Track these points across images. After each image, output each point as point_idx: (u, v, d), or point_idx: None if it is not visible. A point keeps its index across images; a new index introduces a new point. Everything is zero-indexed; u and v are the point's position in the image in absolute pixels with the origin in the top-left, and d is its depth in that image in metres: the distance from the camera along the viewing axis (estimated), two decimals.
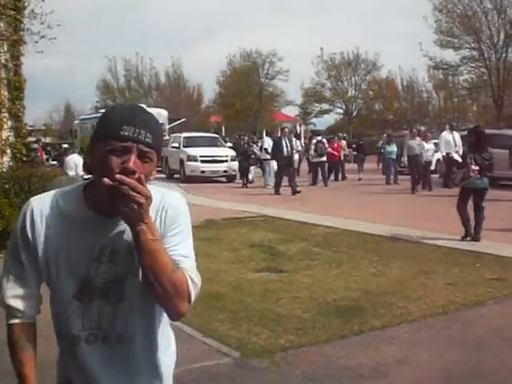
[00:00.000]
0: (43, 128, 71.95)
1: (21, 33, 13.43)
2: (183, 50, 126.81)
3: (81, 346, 2.13)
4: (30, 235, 2.06)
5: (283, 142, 21.46)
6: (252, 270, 8.97)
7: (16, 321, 2.17)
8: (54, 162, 27.97)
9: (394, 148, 25.18)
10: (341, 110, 67.64)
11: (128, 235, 2.01)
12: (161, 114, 41.93)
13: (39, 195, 2.16)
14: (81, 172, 18.37)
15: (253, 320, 6.57)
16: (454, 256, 9.75)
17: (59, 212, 2.07)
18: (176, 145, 28.70)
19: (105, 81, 72.50)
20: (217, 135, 34.89)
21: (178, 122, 48.78)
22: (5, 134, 13.69)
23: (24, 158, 13.81)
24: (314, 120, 68.81)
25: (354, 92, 66.34)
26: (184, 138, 29.21)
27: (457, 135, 21.90)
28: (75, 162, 18.26)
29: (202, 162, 26.74)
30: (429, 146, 23.01)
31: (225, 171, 26.67)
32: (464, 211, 11.37)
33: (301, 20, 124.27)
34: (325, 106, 67.65)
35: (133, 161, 1.91)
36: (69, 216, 2.07)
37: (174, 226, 2.11)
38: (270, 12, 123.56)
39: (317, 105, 67.71)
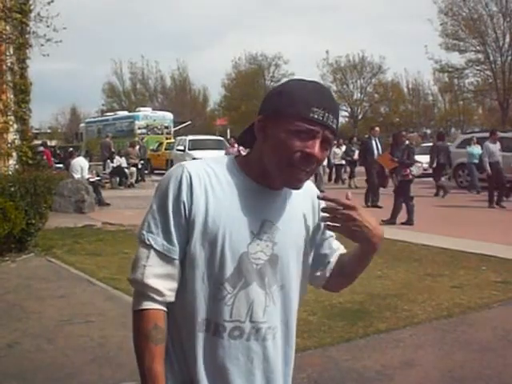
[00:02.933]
0: (49, 131, 72.17)
1: (27, 36, 13.49)
2: (188, 53, 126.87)
3: (222, 339, 1.88)
4: (186, 202, 1.82)
5: (373, 143, 17.99)
6: None
7: (154, 306, 1.85)
8: (60, 165, 28.05)
9: (476, 150, 21.24)
10: (346, 113, 67.70)
11: (289, 211, 1.95)
12: (166, 116, 42.15)
13: (189, 162, 1.93)
14: (86, 175, 18.45)
15: None
16: (459, 259, 9.74)
17: (218, 180, 1.87)
18: (181, 148, 28.81)
19: (110, 84, 72.87)
20: (222, 138, 34.91)
21: (184, 125, 48.94)
22: (11, 136, 13.75)
23: (30, 161, 13.85)
24: None
25: (359, 95, 66.49)
26: (189, 140, 29.30)
27: None
28: (81, 165, 18.34)
29: None
30: None
31: None
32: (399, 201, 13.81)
33: (306, 23, 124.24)
34: None
35: (318, 147, 1.80)
36: (229, 184, 1.88)
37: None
38: (275, 15, 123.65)
39: None
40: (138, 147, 29.21)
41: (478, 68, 47.20)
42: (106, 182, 23.94)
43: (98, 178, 20.89)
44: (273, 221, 1.90)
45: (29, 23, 13.37)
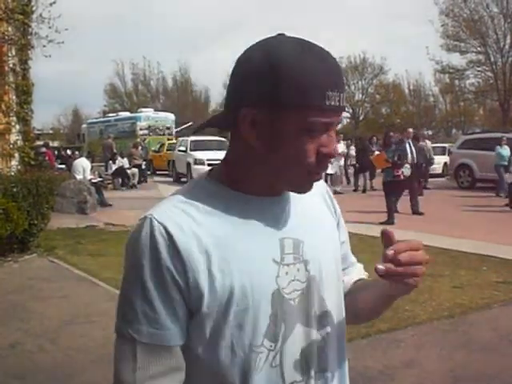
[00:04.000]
0: (51, 132, 72.18)
1: (29, 37, 13.52)
2: (190, 54, 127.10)
3: None
4: (172, 265, 1.28)
5: (406, 145, 16.12)
6: None
7: None
8: (62, 166, 28.10)
9: (506, 151, 20.05)
10: (348, 114, 67.68)
11: (302, 214, 1.47)
12: (168, 117, 42.17)
13: (153, 208, 1.37)
14: (89, 176, 18.47)
15: None
16: (460, 259, 9.75)
17: (204, 213, 1.35)
18: (183, 148, 28.79)
19: (112, 85, 73.06)
20: (224, 139, 34.91)
21: (186, 125, 48.91)
22: (13, 137, 13.79)
23: (32, 162, 13.88)
24: None
25: (360, 96, 66.49)
26: (191, 141, 29.25)
27: None
28: (83, 166, 18.36)
29: (209, 165, 26.58)
30: None
31: None
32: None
33: (307, 24, 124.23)
34: None
35: (334, 143, 1.35)
36: (220, 212, 1.36)
37: (339, 216, 1.64)
38: (276, 16, 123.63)
39: None
40: (139, 148, 29.25)
41: (478, 69, 47.21)
42: (109, 183, 23.96)
43: (100, 179, 20.92)
44: (292, 235, 1.41)
45: (31, 24, 13.41)
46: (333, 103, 1.28)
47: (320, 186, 1.57)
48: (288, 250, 1.39)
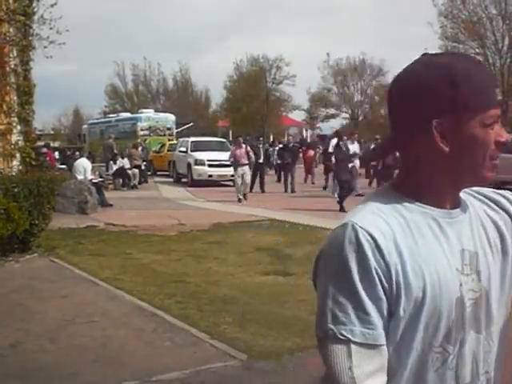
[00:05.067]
0: (52, 132, 72.14)
1: (30, 38, 13.54)
2: (191, 55, 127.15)
3: None
4: (378, 267, 1.36)
5: None
6: (259, 273, 9.00)
7: None
8: (63, 166, 28.12)
9: None
10: (347, 115, 67.70)
11: (478, 228, 1.55)
12: (168, 118, 42.21)
13: (351, 216, 1.46)
14: (89, 176, 18.51)
15: (260, 323, 6.60)
16: None
17: (398, 222, 1.44)
18: (183, 149, 28.80)
19: (113, 85, 72.92)
20: (224, 140, 34.94)
21: (186, 126, 48.96)
22: (14, 138, 13.81)
23: (33, 162, 13.91)
24: (320, 124, 68.91)
25: (360, 97, 66.46)
26: (191, 142, 29.29)
27: None
28: (84, 166, 18.39)
29: (210, 166, 26.76)
30: None
31: (232, 175, 26.46)
32: None
33: (307, 25, 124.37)
34: (331, 111, 67.69)
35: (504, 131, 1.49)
36: (411, 222, 1.45)
37: None
38: (277, 17, 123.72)
39: (323, 109, 67.72)
40: (140, 148, 29.28)
41: None
42: (109, 183, 23.98)
43: (101, 179, 20.95)
44: (469, 247, 1.49)
45: (32, 25, 13.42)
46: (499, 98, 1.47)
47: (485, 189, 1.66)
48: (466, 261, 1.47)
